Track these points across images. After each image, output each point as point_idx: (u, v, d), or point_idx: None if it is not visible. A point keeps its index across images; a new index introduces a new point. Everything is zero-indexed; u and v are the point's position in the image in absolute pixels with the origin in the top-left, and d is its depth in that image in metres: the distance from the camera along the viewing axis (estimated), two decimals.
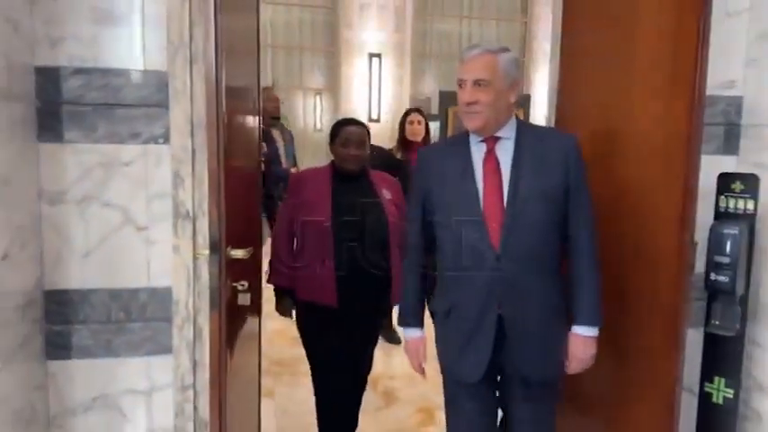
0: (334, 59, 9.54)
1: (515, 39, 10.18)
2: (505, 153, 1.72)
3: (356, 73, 9.27)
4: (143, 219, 1.85)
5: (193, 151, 1.82)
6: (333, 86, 9.61)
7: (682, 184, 1.81)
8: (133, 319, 1.88)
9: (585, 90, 2.25)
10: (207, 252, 1.59)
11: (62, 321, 1.83)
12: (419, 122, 3.81)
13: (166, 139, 1.83)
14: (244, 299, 1.69)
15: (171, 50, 1.78)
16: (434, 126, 7.46)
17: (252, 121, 2.18)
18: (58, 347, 1.83)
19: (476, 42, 10.07)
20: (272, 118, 4.36)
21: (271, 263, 2.38)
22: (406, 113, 3.90)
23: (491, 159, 1.72)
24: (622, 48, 2.03)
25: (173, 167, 1.83)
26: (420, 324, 1.86)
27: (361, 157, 2.36)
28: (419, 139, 3.78)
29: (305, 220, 2.27)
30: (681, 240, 1.80)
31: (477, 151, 1.74)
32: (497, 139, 1.73)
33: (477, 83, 1.67)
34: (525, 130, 1.77)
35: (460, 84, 1.70)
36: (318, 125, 9.58)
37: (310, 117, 9.63)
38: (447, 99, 8.58)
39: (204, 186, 1.80)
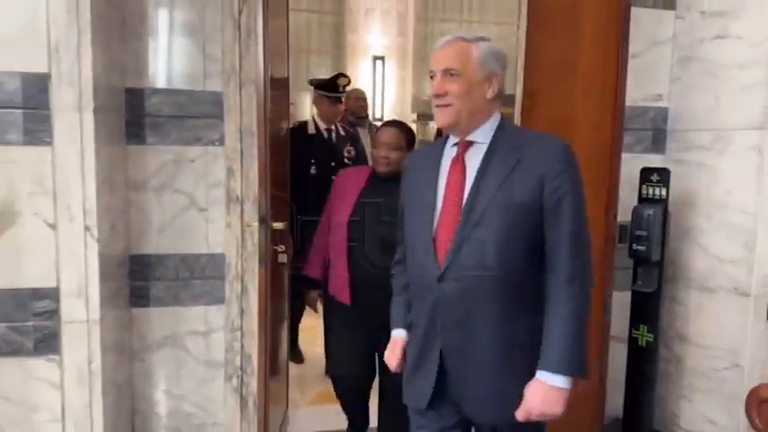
0: (340, 62, 10.17)
1: (514, 42, 10.76)
2: (475, 160, 1.52)
3: (361, 75, 9.91)
4: (203, 202, 2.50)
5: (241, 151, 2.47)
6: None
7: (608, 176, 2.46)
8: (195, 277, 2.53)
9: (542, 97, 2.88)
10: (256, 224, 2.24)
11: (143, 278, 2.47)
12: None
13: (221, 142, 2.48)
14: (282, 258, 2.35)
15: (225, 77, 2.43)
16: (433, 126, 8.14)
17: (284, 122, 2.82)
18: (139, 298, 2.48)
19: None
20: (358, 117, 4.36)
21: (309, 255, 2.59)
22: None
23: (457, 166, 1.53)
24: (569, 65, 2.66)
25: (226, 164, 2.48)
26: (403, 326, 1.69)
27: (390, 160, 2.33)
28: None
29: (331, 218, 2.46)
30: (606, 219, 2.45)
31: (448, 156, 1.57)
32: (471, 143, 1.53)
33: (447, 72, 1.48)
34: (505, 134, 1.53)
35: (431, 76, 1.53)
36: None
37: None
38: None
39: (249, 177, 2.46)
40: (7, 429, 1.97)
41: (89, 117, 1.93)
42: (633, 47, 2.72)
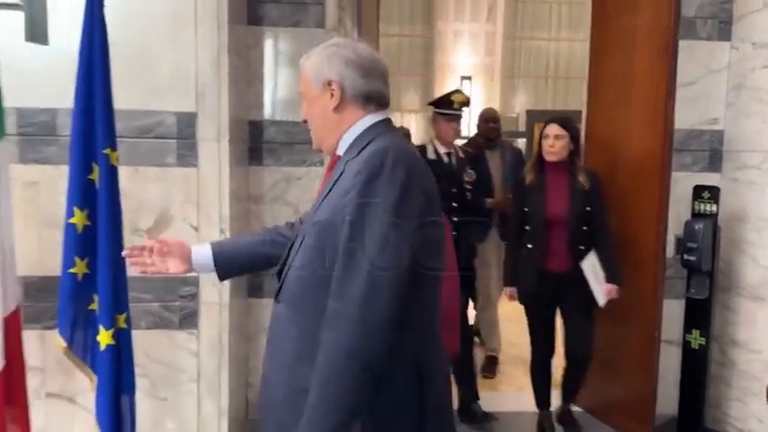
0: (429, 82, 10.71)
1: None
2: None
3: None
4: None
5: None
6: (426, 107, 10.76)
7: (658, 193, 2.80)
8: None
9: (602, 111, 3.24)
10: None
11: (258, 274, 3.07)
12: (558, 137, 2.85)
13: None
14: None
15: None
16: (522, 143, 8.47)
17: None
18: (255, 290, 3.07)
19: (565, 61, 10.68)
20: (488, 140, 3.99)
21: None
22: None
23: (324, 180, 1.42)
24: (626, 87, 3.02)
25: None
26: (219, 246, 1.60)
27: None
28: (555, 159, 2.85)
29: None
30: (657, 231, 2.80)
31: (326, 170, 1.47)
32: (338, 158, 1.38)
33: (301, 98, 1.43)
34: (358, 143, 1.33)
35: None
36: (414, 141, 10.84)
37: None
38: (534, 117, 9.52)
39: None
40: (158, 384, 2.60)
41: (225, 146, 2.55)
42: (690, 75, 3.06)
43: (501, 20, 10.86)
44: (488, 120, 4.10)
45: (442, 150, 3.30)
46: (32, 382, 2.33)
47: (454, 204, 3.18)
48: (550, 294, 2.88)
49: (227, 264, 1.58)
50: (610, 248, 2.85)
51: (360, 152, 1.29)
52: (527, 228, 2.90)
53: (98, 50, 2.00)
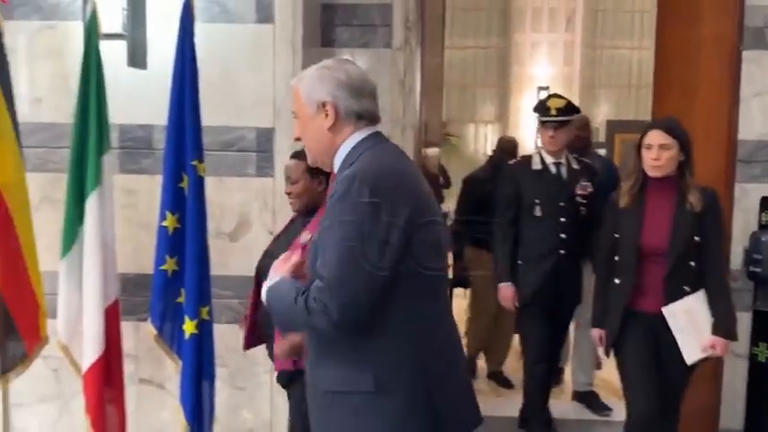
0: (505, 94, 10.76)
1: None
2: None
3: (525, 105, 10.44)
4: None
5: None
6: (502, 118, 10.83)
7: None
8: None
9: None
10: None
11: None
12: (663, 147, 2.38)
13: None
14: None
15: (391, 124, 3.21)
16: (602, 153, 8.36)
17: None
18: None
19: (648, 70, 10.50)
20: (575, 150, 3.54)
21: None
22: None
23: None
24: (690, 96, 3.05)
25: None
26: None
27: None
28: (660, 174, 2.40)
29: None
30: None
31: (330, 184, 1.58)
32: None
33: (294, 117, 1.53)
34: (349, 159, 1.44)
35: None
36: (489, 152, 10.95)
37: (481, 145, 10.96)
38: (614, 127, 9.37)
39: None
40: (236, 375, 2.88)
41: None
42: (759, 85, 3.05)
43: (580, 29, 10.78)
44: (581, 128, 3.69)
45: (550, 160, 3.10)
46: (127, 368, 2.65)
47: (562, 219, 3.00)
48: (639, 340, 2.41)
49: None
50: (724, 291, 2.41)
51: (349, 167, 1.40)
52: (616, 258, 2.47)
53: (189, 74, 2.31)
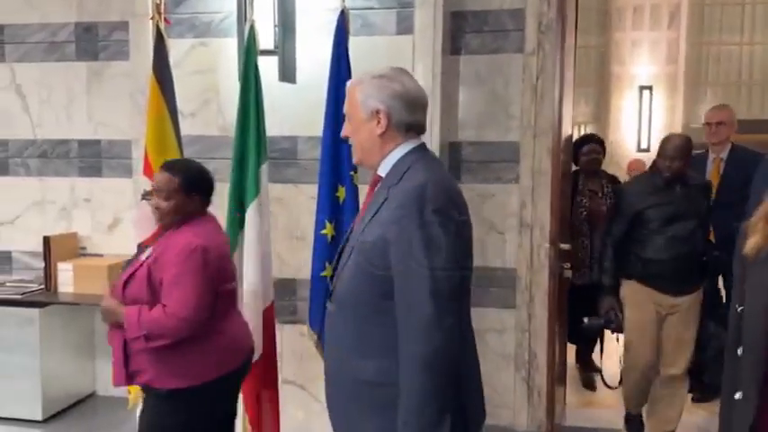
0: (604, 94, 10.48)
1: None
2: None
3: (625, 105, 10.11)
4: (501, 227, 3.31)
5: (533, 188, 3.23)
6: (600, 118, 10.54)
7: None
8: (493, 285, 3.34)
9: None
10: (548, 245, 2.95)
11: None
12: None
13: (516, 180, 3.26)
14: (567, 273, 3.03)
15: (522, 130, 3.22)
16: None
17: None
18: None
19: (760, 65, 9.90)
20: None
21: None
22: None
23: (367, 198, 1.62)
24: None
25: (520, 198, 3.26)
26: None
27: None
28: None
29: None
30: None
31: (369, 186, 1.64)
32: (380, 177, 1.57)
33: (345, 116, 1.62)
34: (397, 169, 1.52)
35: None
36: None
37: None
38: None
39: (538, 208, 3.19)
40: None
41: None
42: None
43: (684, 26, 10.35)
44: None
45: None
46: None
47: None
48: None
49: None
50: None
51: (400, 179, 1.47)
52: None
53: (344, 88, 2.40)
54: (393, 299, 1.42)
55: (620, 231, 3.00)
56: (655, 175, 2.98)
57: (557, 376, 3.37)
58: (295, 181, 2.91)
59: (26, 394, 3.36)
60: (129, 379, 1.98)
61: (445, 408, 1.39)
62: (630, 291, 3.05)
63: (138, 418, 2.11)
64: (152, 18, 2.57)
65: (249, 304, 2.43)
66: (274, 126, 2.90)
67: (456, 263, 1.43)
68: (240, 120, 2.48)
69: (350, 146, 2.38)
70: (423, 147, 1.57)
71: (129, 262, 2.17)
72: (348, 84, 1.61)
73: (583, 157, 3.90)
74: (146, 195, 2.53)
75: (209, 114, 2.98)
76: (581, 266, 3.73)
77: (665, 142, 2.96)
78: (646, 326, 2.99)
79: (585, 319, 3.19)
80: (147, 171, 2.54)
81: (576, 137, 4.10)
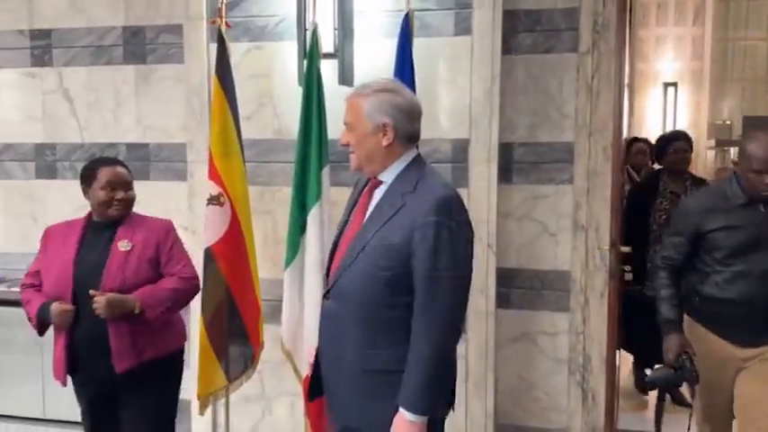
0: (628, 91, 10.34)
1: None
2: (378, 197, 1.72)
3: (649, 102, 10.00)
4: (554, 228, 3.25)
5: (588, 189, 3.17)
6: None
7: None
8: (545, 288, 3.29)
9: None
10: (607, 247, 2.90)
11: (506, 286, 3.30)
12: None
13: (570, 181, 3.21)
14: (627, 276, 2.97)
15: (576, 130, 3.17)
16: (734, 152, 7.89)
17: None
18: (503, 300, 3.31)
19: None
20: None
21: None
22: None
23: (365, 200, 1.76)
24: None
25: (574, 199, 3.20)
26: None
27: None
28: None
29: None
30: None
31: (366, 189, 1.80)
32: (379, 182, 1.72)
33: (346, 125, 1.72)
34: (407, 176, 1.68)
35: None
36: None
37: None
38: (751, 123, 8.80)
39: (593, 210, 3.14)
40: None
41: (494, 167, 2.84)
42: None
43: (710, 21, 10.21)
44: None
45: None
46: None
47: None
48: None
49: None
50: None
51: (415, 188, 1.64)
52: None
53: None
54: (402, 294, 1.59)
55: (680, 254, 2.37)
56: (732, 186, 2.29)
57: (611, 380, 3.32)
58: (350, 184, 2.85)
59: None
60: (138, 358, 2.13)
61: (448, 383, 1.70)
62: (691, 332, 2.38)
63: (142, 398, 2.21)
64: (213, 22, 2.55)
65: (309, 308, 2.40)
66: (332, 129, 2.87)
67: (470, 268, 1.65)
68: (302, 124, 2.46)
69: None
70: (419, 156, 1.75)
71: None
72: (349, 94, 1.72)
73: (670, 156, 3.77)
74: (212, 200, 2.52)
75: (264, 118, 2.95)
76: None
77: (758, 146, 2.17)
78: (713, 385, 2.35)
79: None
80: (213, 175, 2.52)
81: None
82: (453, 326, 1.61)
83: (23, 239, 3.84)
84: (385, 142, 1.65)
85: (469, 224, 1.67)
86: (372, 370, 1.63)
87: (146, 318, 2.09)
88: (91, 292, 2.05)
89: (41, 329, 2.20)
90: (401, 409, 1.60)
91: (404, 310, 1.60)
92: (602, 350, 3.13)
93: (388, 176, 1.69)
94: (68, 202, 3.74)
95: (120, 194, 2.22)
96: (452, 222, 1.58)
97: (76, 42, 3.66)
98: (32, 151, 3.79)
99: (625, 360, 4.33)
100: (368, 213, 1.71)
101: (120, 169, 2.27)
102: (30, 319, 2.18)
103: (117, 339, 2.09)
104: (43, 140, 3.77)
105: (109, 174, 2.22)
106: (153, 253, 2.19)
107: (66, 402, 3.35)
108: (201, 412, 2.59)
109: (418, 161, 1.71)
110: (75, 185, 3.76)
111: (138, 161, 3.55)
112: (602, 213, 3.12)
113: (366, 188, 1.77)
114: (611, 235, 2.87)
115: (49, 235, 2.31)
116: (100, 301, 2.03)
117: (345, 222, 1.81)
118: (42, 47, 3.71)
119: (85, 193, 2.26)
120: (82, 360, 2.14)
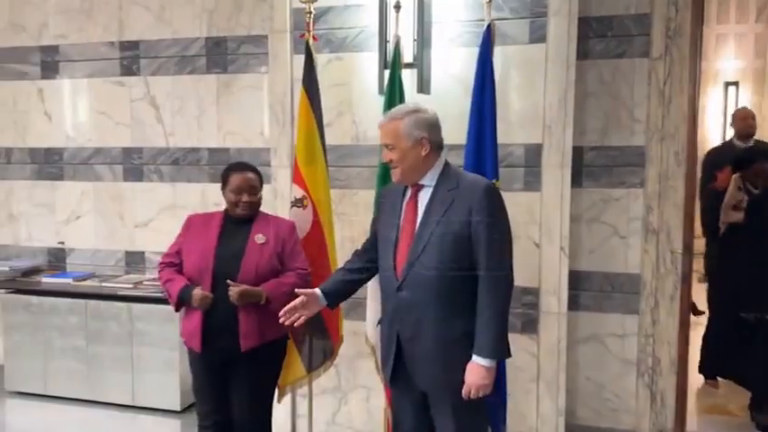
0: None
1: None
2: (425, 198, 2.00)
3: (709, 102, 9.72)
4: (624, 231, 3.26)
5: (659, 193, 3.16)
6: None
7: None
8: (615, 290, 3.29)
9: None
10: (680, 251, 2.89)
11: (575, 288, 3.32)
12: None
13: (642, 185, 3.21)
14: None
15: (648, 134, 3.16)
16: None
17: None
18: (572, 302, 3.31)
19: None
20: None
21: None
22: None
23: (412, 203, 2.02)
24: None
25: (645, 202, 3.20)
26: (323, 288, 2.19)
27: None
28: None
29: None
30: None
31: (408, 194, 2.05)
32: (421, 186, 2.01)
33: (386, 146, 2.01)
34: (446, 178, 1.99)
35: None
36: None
37: None
38: None
39: (664, 214, 3.13)
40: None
41: (567, 172, 2.86)
42: None
43: None
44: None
45: None
46: None
47: None
48: None
49: (333, 297, 2.22)
50: None
51: (458, 184, 1.96)
52: None
53: (488, 101, 2.43)
54: (465, 270, 1.90)
55: None
56: None
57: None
58: None
59: (167, 386, 3.56)
60: (261, 339, 2.37)
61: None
62: None
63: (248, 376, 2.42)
64: (302, 36, 2.66)
65: None
66: None
67: (511, 233, 2.00)
68: None
69: (493, 154, 2.45)
70: (447, 160, 2.05)
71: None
72: (385, 120, 2.01)
73: None
74: (296, 203, 2.64)
75: (343, 125, 3.06)
76: None
77: None
78: None
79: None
80: (298, 179, 2.64)
81: None
82: (511, 279, 1.96)
83: (111, 238, 4.08)
84: (423, 153, 1.97)
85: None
86: (450, 339, 1.94)
87: (269, 307, 2.32)
88: (228, 282, 2.29)
89: (178, 307, 2.42)
90: (475, 358, 1.91)
91: (468, 283, 1.91)
92: (671, 352, 3.12)
93: (429, 180, 2.01)
94: (154, 202, 3.97)
95: (245, 197, 2.43)
96: (498, 201, 1.95)
97: (162, 53, 3.86)
98: (120, 155, 4.01)
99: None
100: (420, 213, 1.99)
101: (249, 175, 2.46)
102: (169, 296, 2.41)
103: (246, 322, 2.34)
104: (130, 145, 3.98)
105: (238, 179, 2.43)
106: (280, 247, 2.43)
107: (153, 390, 3.58)
108: (279, 400, 2.71)
109: (448, 165, 2.04)
110: (160, 187, 4.00)
111: (219, 165, 3.72)
112: (674, 217, 3.12)
113: (410, 193, 2.03)
114: (684, 239, 2.86)
115: (192, 222, 2.53)
116: (235, 290, 2.28)
117: (395, 225, 2.04)
118: (131, 57, 3.92)
119: (222, 192, 2.49)
120: (212, 335, 2.37)
